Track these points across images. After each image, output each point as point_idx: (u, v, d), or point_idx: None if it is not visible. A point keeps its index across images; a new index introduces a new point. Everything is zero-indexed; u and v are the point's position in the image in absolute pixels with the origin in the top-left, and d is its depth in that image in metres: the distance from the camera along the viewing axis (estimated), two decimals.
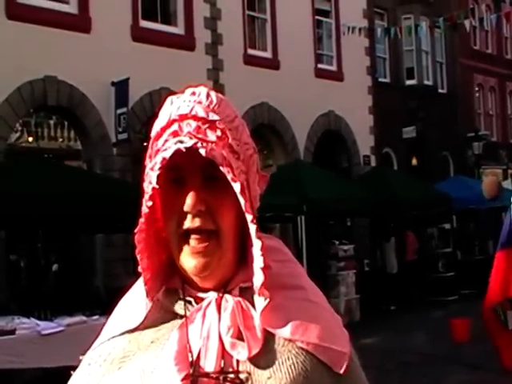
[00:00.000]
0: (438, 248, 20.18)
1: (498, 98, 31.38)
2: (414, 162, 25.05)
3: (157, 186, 1.24)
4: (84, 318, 9.06)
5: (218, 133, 1.26)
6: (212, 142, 1.24)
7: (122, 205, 9.33)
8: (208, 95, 1.30)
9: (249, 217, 1.25)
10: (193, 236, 1.27)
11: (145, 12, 16.28)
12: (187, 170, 1.27)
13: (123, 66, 14.90)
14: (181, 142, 1.23)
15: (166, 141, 1.26)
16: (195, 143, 1.22)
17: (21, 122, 14.45)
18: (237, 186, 1.23)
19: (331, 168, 19.30)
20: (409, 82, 24.78)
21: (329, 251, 16.56)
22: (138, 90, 15.26)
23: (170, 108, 1.29)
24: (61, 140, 15.32)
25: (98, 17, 14.97)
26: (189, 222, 1.26)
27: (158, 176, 1.24)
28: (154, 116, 1.32)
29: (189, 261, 1.27)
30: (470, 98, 28.78)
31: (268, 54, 19.57)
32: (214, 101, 1.29)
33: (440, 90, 26.62)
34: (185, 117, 1.26)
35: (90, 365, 1.35)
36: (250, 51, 18.97)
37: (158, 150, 1.27)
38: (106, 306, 10.13)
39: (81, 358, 1.40)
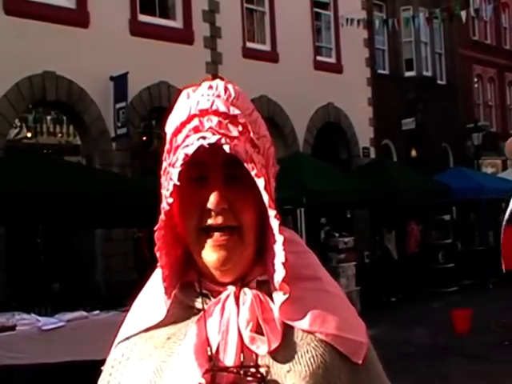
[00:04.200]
0: (437, 239, 20.14)
1: (497, 89, 31.33)
2: (414, 153, 25.05)
3: (178, 183, 1.23)
4: (85, 314, 9.06)
5: (240, 127, 1.24)
6: (235, 138, 1.22)
7: (121, 199, 9.36)
8: (226, 89, 1.28)
9: (272, 212, 1.24)
10: (215, 231, 1.26)
11: (143, 6, 16.25)
12: (209, 166, 1.26)
13: (122, 60, 14.87)
14: (203, 137, 1.21)
15: (187, 136, 1.24)
16: (219, 139, 1.21)
17: (20, 118, 14.43)
18: (261, 182, 1.22)
19: (331, 160, 19.28)
20: (408, 74, 24.76)
21: (329, 243, 16.56)
22: (137, 84, 15.23)
23: (189, 102, 1.27)
24: (60, 135, 15.29)
25: (96, 11, 14.94)
26: (211, 220, 1.25)
27: (179, 173, 1.23)
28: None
29: (210, 255, 1.26)
30: (469, 89, 28.74)
31: (267, 47, 19.55)
32: (233, 94, 1.28)
33: (439, 81, 26.58)
34: (205, 112, 1.24)
35: (113, 367, 1.35)
36: (249, 44, 18.95)
37: (178, 146, 1.25)
38: (106, 301, 10.20)
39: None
